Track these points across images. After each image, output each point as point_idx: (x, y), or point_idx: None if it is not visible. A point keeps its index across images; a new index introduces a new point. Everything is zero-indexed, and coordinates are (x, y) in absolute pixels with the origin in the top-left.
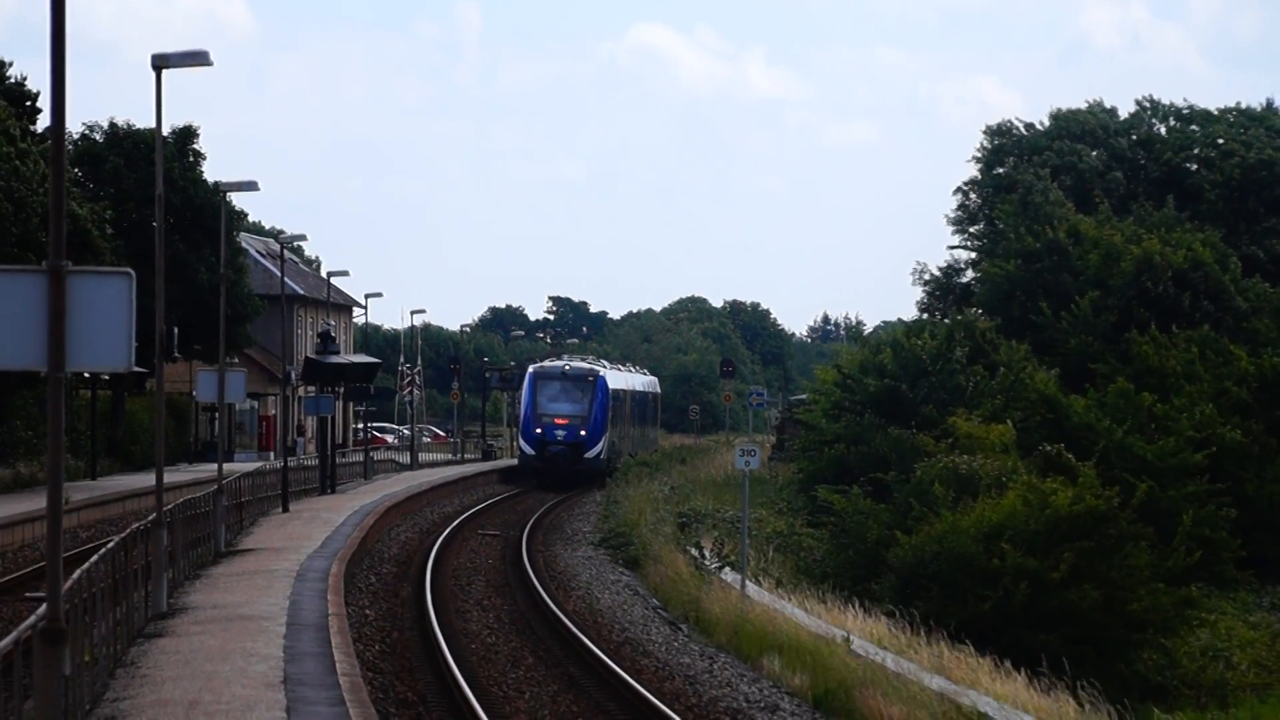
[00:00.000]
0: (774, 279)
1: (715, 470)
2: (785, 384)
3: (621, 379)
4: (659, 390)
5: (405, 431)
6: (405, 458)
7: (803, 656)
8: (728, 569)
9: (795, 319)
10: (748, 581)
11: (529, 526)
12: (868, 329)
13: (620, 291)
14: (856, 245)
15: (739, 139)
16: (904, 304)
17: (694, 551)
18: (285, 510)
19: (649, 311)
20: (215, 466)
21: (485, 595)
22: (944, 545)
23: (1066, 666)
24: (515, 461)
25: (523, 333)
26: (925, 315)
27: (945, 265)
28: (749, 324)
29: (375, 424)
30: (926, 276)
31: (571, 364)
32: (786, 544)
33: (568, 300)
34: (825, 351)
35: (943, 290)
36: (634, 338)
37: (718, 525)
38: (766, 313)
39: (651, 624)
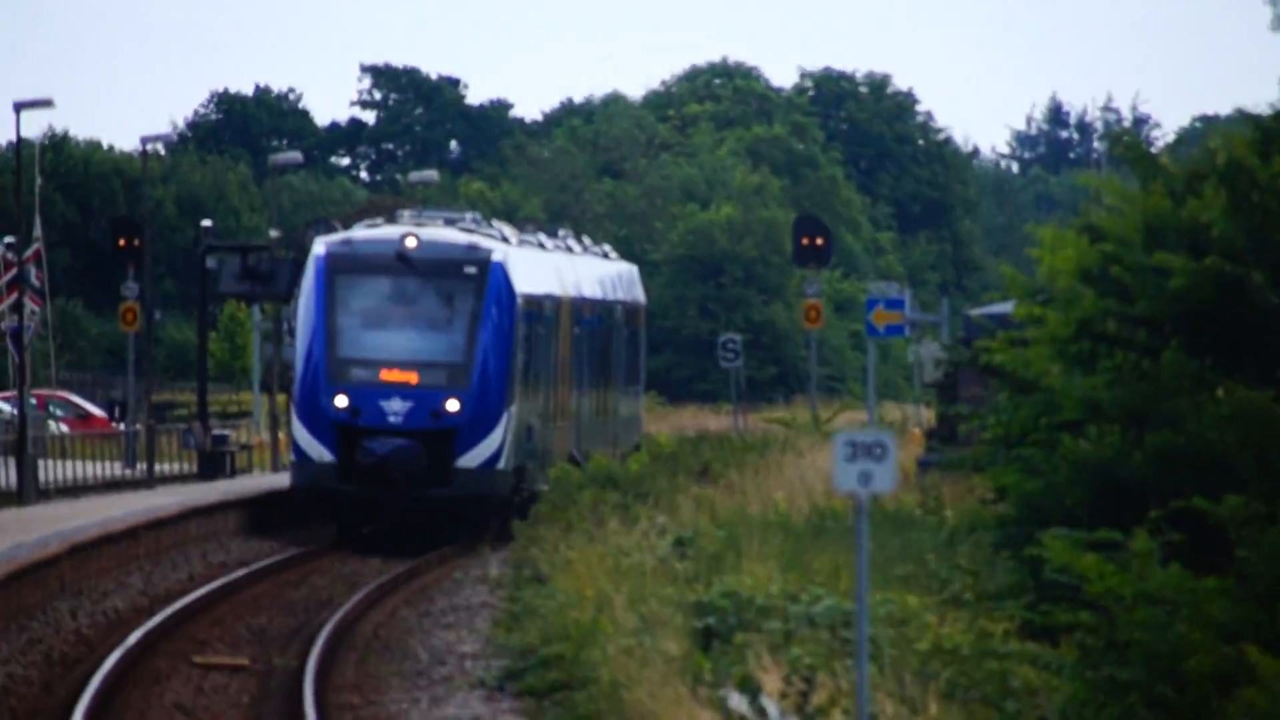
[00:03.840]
0: (910, 29)
1: (782, 490)
2: (959, 276)
3: (548, 268)
4: (641, 297)
5: (6, 407)
6: (6, 475)
7: None
8: None
9: (977, 118)
10: None
11: (322, 644)
12: (1160, 139)
13: (539, 63)
14: None
15: None
16: (1238, 87)
17: (736, 702)
18: None
19: (616, 102)
20: None
21: None
22: None
23: None
24: (286, 477)
25: (299, 155)
26: None
27: None
28: (861, 127)
29: None
30: None
31: (425, 231)
32: (969, 678)
33: (411, 75)
34: (1052, 195)
35: None
36: (578, 166)
37: (792, 635)
38: (906, 99)
39: None
